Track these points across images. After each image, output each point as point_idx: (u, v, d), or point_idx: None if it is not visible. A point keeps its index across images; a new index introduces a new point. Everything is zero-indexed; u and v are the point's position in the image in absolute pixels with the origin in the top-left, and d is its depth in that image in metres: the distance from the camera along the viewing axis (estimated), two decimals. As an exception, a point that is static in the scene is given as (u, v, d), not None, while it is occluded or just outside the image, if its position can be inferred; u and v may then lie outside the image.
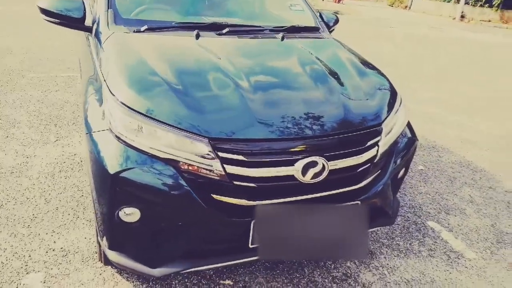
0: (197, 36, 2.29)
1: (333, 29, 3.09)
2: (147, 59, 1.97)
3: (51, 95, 4.57)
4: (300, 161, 1.68)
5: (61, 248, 2.29)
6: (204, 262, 1.77)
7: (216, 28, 2.44)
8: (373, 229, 2.38)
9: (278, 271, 2.25)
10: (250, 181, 1.66)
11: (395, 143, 2.03)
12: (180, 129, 1.62)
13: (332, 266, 2.32)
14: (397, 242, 2.59)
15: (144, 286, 2.07)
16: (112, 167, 1.61)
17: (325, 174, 1.72)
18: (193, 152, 1.61)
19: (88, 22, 2.46)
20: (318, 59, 2.32)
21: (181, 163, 1.63)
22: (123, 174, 1.60)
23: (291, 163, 1.68)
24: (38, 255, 2.22)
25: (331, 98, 1.96)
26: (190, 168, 1.63)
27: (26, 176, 2.93)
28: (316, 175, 1.71)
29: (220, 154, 1.62)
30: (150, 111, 1.66)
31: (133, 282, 2.08)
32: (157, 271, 1.73)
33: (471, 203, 3.13)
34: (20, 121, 3.81)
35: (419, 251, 2.53)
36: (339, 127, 1.82)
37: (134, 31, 2.28)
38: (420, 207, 3.01)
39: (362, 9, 18.86)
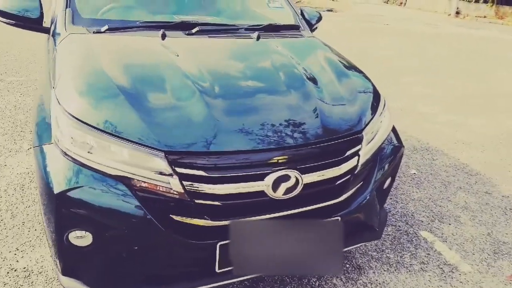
0: (163, 37, 2.09)
1: (316, 27, 2.89)
2: (102, 63, 1.79)
3: (29, 100, 4.38)
4: (270, 175, 1.51)
5: (24, 268, 2.12)
6: (166, 289, 1.59)
7: (185, 27, 2.25)
8: (357, 245, 2.19)
9: (257, 291, 2.08)
10: (213, 199, 1.49)
11: (379, 150, 1.85)
12: (133, 142, 1.44)
13: (317, 284, 2.14)
14: (387, 255, 2.41)
15: (108, 311, 1.89)
16: (58, 185, 1.44)
17: (299, 188, 1.55)
18: (149, 168, 1.44)
19: (47, 23, 2.28)
20: (295, 60, 2.13)
21: (135, 180, 1.45)
22: (70, 193, 1.43)
23: (260, 177, 1.50)
24: (-3, 276, 2.04)
25: (306, 104, 1.77)
26: (145, 186, 1.45)
27: (-7, 188, 2.76)
28: (288, 190, 1.53)
29: (178, 169, 1.44)
30: (101, 124, 1.48)
31: (96, 307, 1.91)
32: (114, 300, 1.56)
33: (466, 210, 2.95)
34: (-7, 129, 3.63)
35: (411, 264, 2.35)
36: (315, 136, 1.64)
37: (93, 32, 2.09)
38: (412, 215, 2.83)
39: (357, 6, 18.66)
